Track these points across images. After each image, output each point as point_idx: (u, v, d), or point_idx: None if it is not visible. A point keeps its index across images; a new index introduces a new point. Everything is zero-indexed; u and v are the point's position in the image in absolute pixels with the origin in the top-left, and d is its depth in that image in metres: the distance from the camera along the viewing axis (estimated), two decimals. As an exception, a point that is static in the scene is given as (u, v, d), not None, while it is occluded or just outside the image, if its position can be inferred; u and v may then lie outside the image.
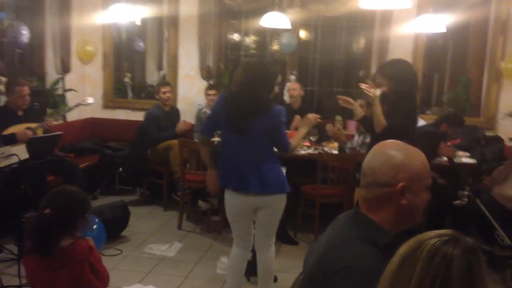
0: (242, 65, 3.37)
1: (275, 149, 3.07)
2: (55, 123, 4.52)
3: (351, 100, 3.64)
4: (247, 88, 2.90)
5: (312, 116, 3.21)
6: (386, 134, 3.26)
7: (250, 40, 6.64)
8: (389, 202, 1.45)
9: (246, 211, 3.04)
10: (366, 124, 3.69)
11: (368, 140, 4.51)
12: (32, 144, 3.86)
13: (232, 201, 3.03)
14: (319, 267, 1.49)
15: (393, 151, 1.46)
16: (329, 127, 4.62)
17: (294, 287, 1.78)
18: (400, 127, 3.30)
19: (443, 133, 4.25)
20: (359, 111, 3.63)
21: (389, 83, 3.42)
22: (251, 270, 3.45)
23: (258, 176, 2.92)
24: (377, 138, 3.33)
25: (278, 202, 3.02)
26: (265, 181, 2.93)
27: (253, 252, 3.32)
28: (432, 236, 1.04)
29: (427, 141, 4.00)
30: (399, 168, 1.42)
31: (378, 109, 3.37)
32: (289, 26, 5.53)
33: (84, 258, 2.13)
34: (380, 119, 3.35)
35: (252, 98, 2.88)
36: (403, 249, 1.06)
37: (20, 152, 3.45)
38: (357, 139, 4.63)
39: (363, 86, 3.47)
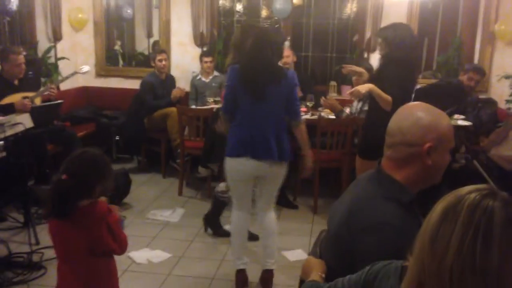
0: (249, 33, 3.25)
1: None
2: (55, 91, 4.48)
3: (355, 67, 3.65)
4: (259, 56, 2.91)
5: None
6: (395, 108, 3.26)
7: (242, 5, 6.55)
8: (415, 161, 1.49)
9: (250, 177, 3.08)
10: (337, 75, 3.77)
11: (366, 107, 4.56)
12: (35, 112, 3.84)
13: (240, 166, 3.03)
14: (345, 226, 1.54)
15: (421, 112, 1.50)
16: (322, 100, 4.66)
17: (317, 246, 1.84)
18: (400, 94, 3.24)
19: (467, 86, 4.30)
20: (366, 76, 3.66)
21: (386, 47, 3.44)
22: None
23: (277, 144, 2.97)
24: (375, 105, 3.35)
25: (283, 171, 3.10)
26: (283, 149, 3.00)
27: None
28: (472, 191, 1.07)
29: (453, 92, 4.05)
30: (427, 129, 1.46)
31: (376, 90, 3.30)
32: (283, -9, 5.47)
33: (102, 218, 2.13)
34: (383, 96, 3.27)
35: (267, 65, 2.91)
36: (442, 204, 1.08)
37: (25, 120, 3.43)
38: (355, 105, 4.67)
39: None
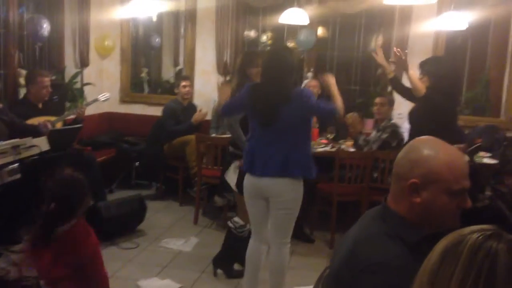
0: (252, 60, 3.43)
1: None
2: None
3: (384, 60, 3.70)
4: (273, 76, 2.89)
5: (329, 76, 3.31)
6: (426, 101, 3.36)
7: (267, 36, 6.61)
8: (404, 197, 1.41)
9: (256, 195, 3.01)
10: (395, 84, 3.84)
11: (385, 135, 4.49)
12: (53, 135, 3.88)
13: (246, 181, 3.05)
14: (346, 263, 1.46)
15: (421, 145, 1.41)
16: (350, 115, 4.59)
17: (319, 283, 1.75)
18: (443, 105, 3.37)
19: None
20: (390, 70, 3.75)
21: (430, 79, 3.42)
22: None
23: (283, 162, 2.89)
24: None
25: (292, 187, 2.94)
26: (291, 166, 2.90)
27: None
28: (474, 231, 1.00)
29: None
30: (415, 163, 1.37)
31: (413, 75, 3.42)
32: (307, 23, 5.50)
33: (83, 238, 2.17)
34: (418, 84, 3.38)
35: (280, 86, 2.87)
36: (442, 243, 1.02)
37: (41, 143, 3.46)
38: (374, 135, 4.60)
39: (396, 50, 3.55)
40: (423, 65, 3.60)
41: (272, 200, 2.97)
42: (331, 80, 3.31)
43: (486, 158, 4.50)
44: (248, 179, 3.04)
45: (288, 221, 3.02)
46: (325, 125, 4.99)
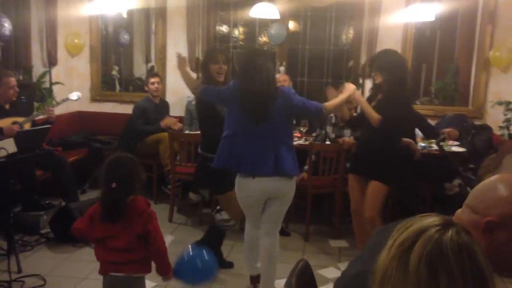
0: (216, 57, 3.51)
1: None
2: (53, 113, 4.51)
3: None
4: (253, 80, 2.94)
5: (352, 87, 3.23)
6: (384, 126, 3.30)
7: (239, 31, 6.59)
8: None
9: (260, 197, 3.09)
10: (353, 124, 3.89)
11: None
12: (20, 137, 3.80)
13: (241, 181, 3.10)
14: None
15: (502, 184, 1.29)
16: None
17: (292, 277, 1.75)
18: (396, 118, 3.38)
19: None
20: (347, 114, 3.82)
21: (383, 74, 3.46)
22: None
23: (275, 160, 2.97)
24: (372, 129, 3.37)
25: (290, 188, 3.10)
26: (282, 164, 2.98)
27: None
28: (432, 225, 0.99)
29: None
30: (494, 201, 1.25)
31: (365, 105, 3.45)
32: (278, 17, 5.50)
33: (143, 211, 2.38)
34: (372, 114, 3.40)
35: (264, 85, 2.93)
36: (420, 252, 0.96)
37: (8, 146, 3.38)
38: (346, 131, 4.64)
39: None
40: (371, 63, 3.66)
41: (269, 198, 3.10)
42: (349, 87, 3.25)
43: (454, 147, 4.59)
44: (241, 180, 3.10)
45: (282, 215, 3.23)
46: (299, 119, 5.01)
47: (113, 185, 2.32)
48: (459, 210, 1.31)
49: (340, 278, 1.52)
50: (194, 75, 5.88)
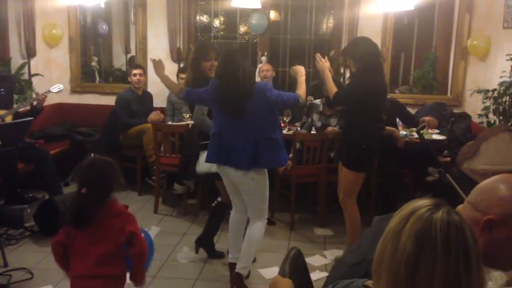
0: (205, 53, 3.57)
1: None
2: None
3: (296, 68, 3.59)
4: (231, 78, 3.02)
5: (300, 67, 3.38)
6: (335, 102, 3.68)
7: (220, 21, 6.57)
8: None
9: (229, 182, 3.30)
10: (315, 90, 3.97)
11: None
12: (2, 130, 3.75)
13: (221, 172, 3.29)
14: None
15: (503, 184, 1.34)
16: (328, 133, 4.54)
17: (285, 265, 1.80)
18: (345, 96, 3.59)
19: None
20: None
21: (355, 62, 3.55)
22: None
23: (253, 154, 3.09)
24: (346, 116, 3.47)
25: (257, 178, 3.19)
26: (259, 158, 3.10)
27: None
28: (424, 206, 1.04)
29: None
30: (495, 201, 1.30)
31: (327, 77, 3.60)
32: (259, 6, 5.50)
33: (121, 212, 2.28)
34: (332, 87, 3.59)
35: (238, 83, 3.02)
36: (412, 229, 1.01)
37: (-9, 139, 3.34)
38: (333, 120, 4.68)
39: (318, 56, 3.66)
40: (344, 52, 3.79)
41: (240, 188, 3.26)
42: (301, 70, 3.40)
43: (434, 135, 4.69)
44: (222, 170, 3.27)
45: (256, 203, 3.29)
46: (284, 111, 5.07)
47: (83, 190, 2.21)
48: (460, 206, 1.36)
49: (337, 266, 1.57)
50: (175, 66, 5.87)
